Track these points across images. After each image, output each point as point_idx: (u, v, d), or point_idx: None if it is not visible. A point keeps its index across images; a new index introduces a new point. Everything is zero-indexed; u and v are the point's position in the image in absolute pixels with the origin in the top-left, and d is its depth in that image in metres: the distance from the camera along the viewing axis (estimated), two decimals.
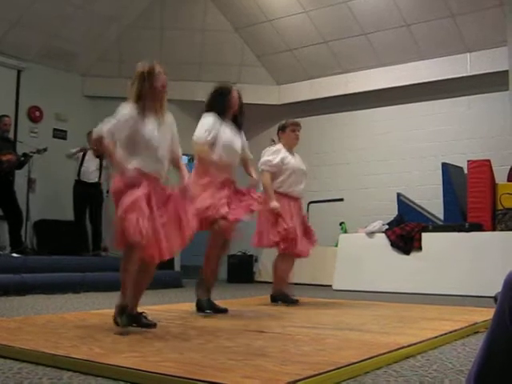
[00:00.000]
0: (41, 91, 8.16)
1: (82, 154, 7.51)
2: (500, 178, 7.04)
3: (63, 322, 3.31)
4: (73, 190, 7.55)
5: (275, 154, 4.72)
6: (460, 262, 6.40)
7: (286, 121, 4.93)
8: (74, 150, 7.54)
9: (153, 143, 3.05)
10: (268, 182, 4.61)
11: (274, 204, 4.52)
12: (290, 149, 4.83)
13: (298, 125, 4.87)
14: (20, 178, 7.29)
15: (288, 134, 4.83)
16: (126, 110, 3.08)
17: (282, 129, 4.87)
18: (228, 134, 3.95)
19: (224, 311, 3.88)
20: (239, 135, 4.09)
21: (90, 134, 6.85)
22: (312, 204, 8.71)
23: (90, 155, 7.53)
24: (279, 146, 4.83)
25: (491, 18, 7.34)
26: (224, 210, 3.75)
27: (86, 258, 7.09)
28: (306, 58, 8.92)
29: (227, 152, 3.91)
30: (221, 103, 3.98)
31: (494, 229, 6.63)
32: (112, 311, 3.30)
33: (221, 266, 4.17)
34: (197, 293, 3.93)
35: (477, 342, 2.84)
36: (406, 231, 6.93)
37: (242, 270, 8.89)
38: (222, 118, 3.96)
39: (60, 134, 8.45)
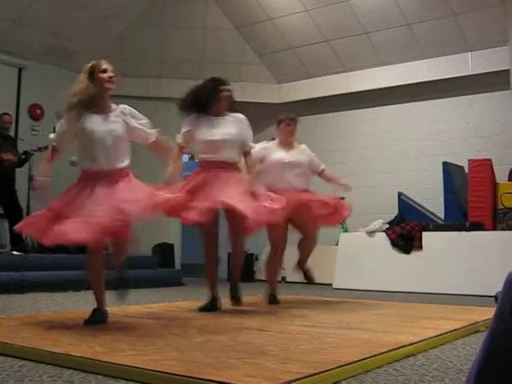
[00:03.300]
0: (42, 89, 8.15)
1: None
2: (501, 177, 7.03)
3: (64, 320, 3.32)
4: None
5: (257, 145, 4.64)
6: (460, 262, 6.40)
7: (281, 115, 4.87)
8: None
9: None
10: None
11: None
12: (286, 143, 4.74)
13: (292, 119, 4.77)
14: (21, 175, 7.28)
15: (282, 128, 4.76)
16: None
17: (277, 124, 4.82)
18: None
19: None
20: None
21: None
22: None
23: None
24: (272, 142, 4.81)
25: (492, 17, 7.33)
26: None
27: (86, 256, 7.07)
28: (308, 57, 8.91)
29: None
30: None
31: (494, 228, 6.63)
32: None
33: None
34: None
35: (477, 342, 2.84)
36: (407, 230, 6.93)
37: (242, 269, 8.86)
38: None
39: None
